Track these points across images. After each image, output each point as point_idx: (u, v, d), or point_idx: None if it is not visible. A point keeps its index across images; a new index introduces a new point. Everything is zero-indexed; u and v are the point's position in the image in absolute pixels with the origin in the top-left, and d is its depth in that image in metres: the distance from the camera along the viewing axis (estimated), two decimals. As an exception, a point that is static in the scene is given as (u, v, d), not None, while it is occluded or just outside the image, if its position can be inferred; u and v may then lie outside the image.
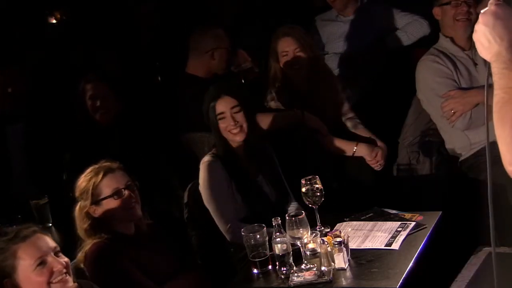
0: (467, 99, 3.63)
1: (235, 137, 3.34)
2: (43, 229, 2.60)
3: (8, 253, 2.40)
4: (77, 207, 2.97)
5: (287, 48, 3.95)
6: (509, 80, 1.54)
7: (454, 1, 3.75)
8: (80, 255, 2.87)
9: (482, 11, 1.64)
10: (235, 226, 3.21)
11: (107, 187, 2.93)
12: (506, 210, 3.38)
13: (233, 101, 3.33)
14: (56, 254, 2.45)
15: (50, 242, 2.46)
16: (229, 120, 3.31)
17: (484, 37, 1.61)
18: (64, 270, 2.42)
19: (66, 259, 2.47)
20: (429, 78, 3.76)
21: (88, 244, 2.88)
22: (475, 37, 1.65)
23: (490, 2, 1.62)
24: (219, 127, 3.34)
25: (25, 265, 2.39)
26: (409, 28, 4.64)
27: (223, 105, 3.33)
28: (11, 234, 2.44)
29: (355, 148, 3.84)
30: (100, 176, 2.93)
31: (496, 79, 1.57)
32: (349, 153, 3.85)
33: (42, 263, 2.39)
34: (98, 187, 2.92)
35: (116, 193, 2.92)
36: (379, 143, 3.94)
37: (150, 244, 3.00)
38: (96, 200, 2.92)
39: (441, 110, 3.70)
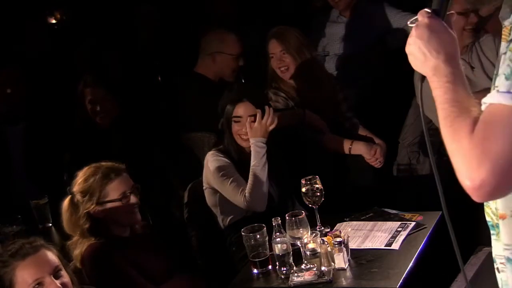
0: None
1: (243, 143, 3.38)
2: (48, 237, 2.57)
3: (9, 268, 2.39)
4: (67, 201, 2.93)
5: (273, 50, 3.94)
6: (455, 93, 1.49)
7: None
8: (76, 254, 2.86)
9: (411, 23, 1.59)
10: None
11: (115, 190, 2.90)
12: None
13: (253, 109, 3.34)
14: (56, 273, 2.42)
15: (51, 260, 2.44)
16: (243, 126, 3.34)
17: (419, 51, 1.56)
18: None
19: (66, 279, 2.45)
20: (426, 85, 3.75)
21: (84, 245, 2.86)
22: (408, 50, 1.59)
23: (421, 13, 1.57)
24: (231, 128, 3.36)
25: (22, 283, 2.38)
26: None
27: (242, 110, 3.35)
28: (15, 248, 2.42)
29: (350, 146, 3.82)
30: (109, 178, 2.90)
31: (440, 93, 1.52)
32: (345, 150, 3.84)
33: (39, 284, 2.38)
34: (105, 189, 2.89)
35: (124, 197, 2.91)
36: (378, 140, 3.92)
37: (145, 247, 2.99)
38: (101, 202, 2.90)
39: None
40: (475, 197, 1.41)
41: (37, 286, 2.37)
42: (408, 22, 1.62)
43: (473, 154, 1.38)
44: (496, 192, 1.39)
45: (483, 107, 1.43)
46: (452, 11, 1.60)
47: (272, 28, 4.03)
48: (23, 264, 2.38)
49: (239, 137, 3.37)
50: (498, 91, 1.40)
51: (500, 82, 1.41)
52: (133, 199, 2.94)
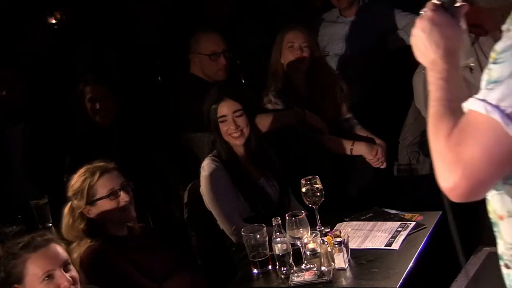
0: None
1: (235, 141, 3.34)
2: (56, 234, 2.58)
3: (19, 260, 2.40)
4: (68, 207, 2.96)
5: (294, 40, 3.92)
6: (446, 92, 1.49)
7: None
8: (75, 258, 2.83)
9: (419, 15, 1.57)
10: (240, 227, 3.17)
11: (102, 187, 2.91)
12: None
13: (235, 105, 3.32)
14: (66, 267, 2.44)
15: (61, 253, 2.46)
16: (231, 123, 3.30)
17: (421, 43, 1.54)
18: (72, 287, 2.43)
19: (74, 273, 2.47)
20: (424, 90, 3.76)
21: (82, 247, 2.86)
22: (412, 41, 1.58)
23: (428, 5, 1.55)
24: (220, 130, 3.34)
25: (33, 276, 2.39)
26: (410, 28, 4.62)
27: (226, 108, 3.32)
28: (25, 241, 2.43)
29: (352, 147, 3.82)
30: (96, 176, 2.91)
31: (433, 89, 1.52)
32: (346, 151, 3.83)
33: (49, 276, 2.39)
34: (93, 187, 2.91)
35: (112, 194, 2.91)
36: (378, 140, 3.92)
37: (143, 246, 2.99)
38: (91, 201, 2.91)
39: None
40: (451, 198, 1.42)
41: (47, 278, 2.39)
42: (421, 11, 1.59)
43: (447, 157, 1.40)
44: (470, 194, 1.41)
45: (465, 111, 1.43)
46: (464, 3, 1.57)
47: (284, 24, 4.03)
48: (34, 256, 2.40)
49: (230, 136, 3.33)
50: (475, 97, 1.40)
51: (481, 88, 1.41)
52: (123, 195, 2.93)
